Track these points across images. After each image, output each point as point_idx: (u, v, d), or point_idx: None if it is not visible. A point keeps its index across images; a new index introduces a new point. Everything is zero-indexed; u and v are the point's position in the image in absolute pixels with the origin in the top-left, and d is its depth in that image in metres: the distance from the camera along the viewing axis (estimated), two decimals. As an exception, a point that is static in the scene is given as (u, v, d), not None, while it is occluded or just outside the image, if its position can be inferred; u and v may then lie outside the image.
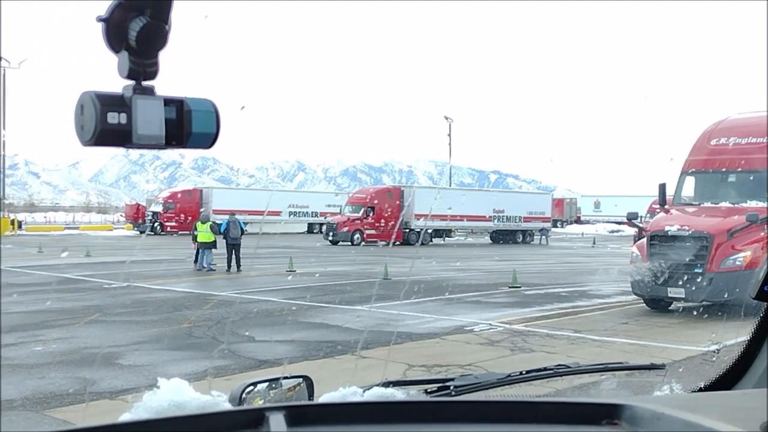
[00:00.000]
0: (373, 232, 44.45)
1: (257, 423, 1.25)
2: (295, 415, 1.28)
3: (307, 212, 62.00)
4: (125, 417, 1.40)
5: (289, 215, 60.66)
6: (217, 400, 1.55)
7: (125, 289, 19.00)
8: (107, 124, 1.03)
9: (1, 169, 61.13)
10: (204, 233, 24.91)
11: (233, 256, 24.87)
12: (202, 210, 29.87)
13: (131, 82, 1.06)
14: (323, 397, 1.64)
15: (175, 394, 1.51)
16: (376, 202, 45.41)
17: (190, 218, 50.04)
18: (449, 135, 76.88)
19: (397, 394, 1.66)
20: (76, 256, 30.40)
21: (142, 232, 56.70)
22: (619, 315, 15.41)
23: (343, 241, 43.23)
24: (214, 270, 24.53)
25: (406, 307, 15.68)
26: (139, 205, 64.51)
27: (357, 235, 43.82)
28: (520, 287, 19.80)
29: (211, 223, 25.78)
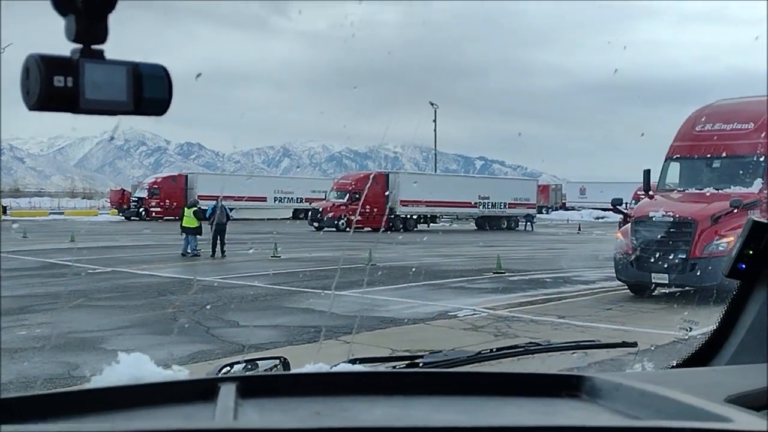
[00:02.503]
0: (358, 218, 44.44)
1: (210, 394, 1.24)
2: (248, 386, 1.27)
3: (292, 198, 61.92)
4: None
5: (275, 201, 60.57)
6: (178, 375, 1.54)
7: (109, 274, 18.93)
8: (53, 88, 1.00)
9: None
10: (188, 218, 24.85)
11: (218, 242, 24.82)
12: (190, 198, 29.69)
13: (79, 46, 1.03)
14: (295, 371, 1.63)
15: (136, 369, 1.50)
16: (361, 187, 45.40)
17: (175, 204, 49.92)
18: (434, 121, 76.82)
19: (364, 370, 1.65)
20: (60, 242, 30.25)
21: (127, 218, 56.51)
22: (602, 301, 15.50)
23: (328, 227, 43.20)
24: (199, 255, 24.48)
25: (391, 292, 15.70)
26: (124, 190, 64.30)
27: (342, 221, 43.80)
28: (504, 273, 19.87)
29: (195, 208, 25.71)
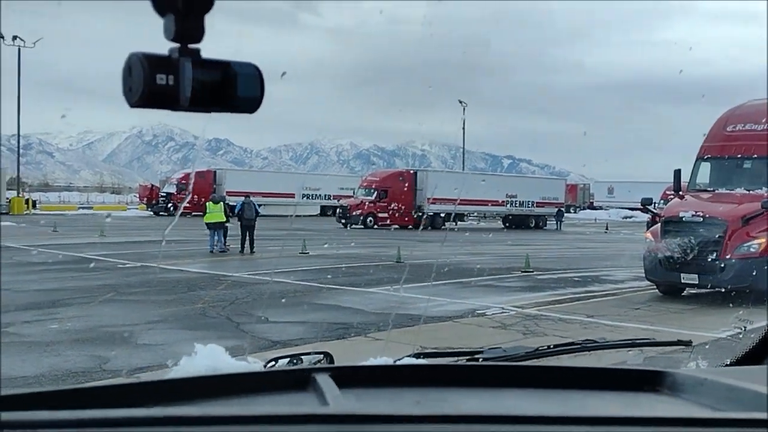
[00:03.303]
0: (385, 215, 44.46)
1: (304, 384, 1.26)
2: (342, 376, 1.29)
3: (320, 195, 62.05)
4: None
5: (303, 197, 60.74)
6: (253, 366, 1.56)
7: (139, 269, 19.10)
8: (155, 86, 1.03)
9: (17, 149, 61.43)
10: (215, 213, 24.92)
11: (247, 238, 24.93)
12: (218, 194, 29.91)
13: (177, 45, 1.06)
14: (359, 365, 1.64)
15: (212, 360, 1.52)
16: (389, 185, 45.41)
17: (203, 199, 50.14)
18: (463, 119, 76.70)
19: (445, 363, 1.66)
20: (90, 236, 30.57)
21: (155, 213, 56.91)
22: (631, 301, 15.39)
23: (355, 224, 43.24)
24: (227, 251, 24.61)
25: (419, 290, 15.70)
26: (153, 185, 64.81)
27: (370, 218, 43.83)
28: (532, 272, 19.80)
29: (222, 203, 25.82)
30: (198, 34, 1.06)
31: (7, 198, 54.32)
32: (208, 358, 1.54)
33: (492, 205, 49.65)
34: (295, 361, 1.89)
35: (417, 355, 1.79)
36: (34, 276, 17.62)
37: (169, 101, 1.05)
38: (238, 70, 1.09)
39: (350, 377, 1.31)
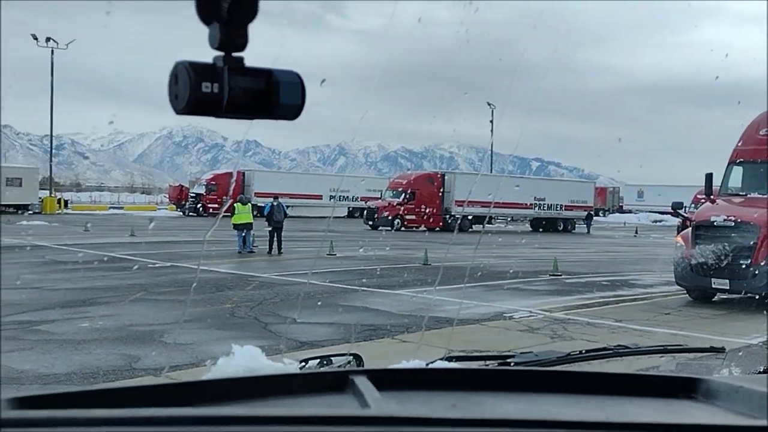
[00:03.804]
0: (413, 217, 44.45)
1: (342, 386, 1.28)
2: (378, 378, 1.30)
3: (347, 196, 62.16)
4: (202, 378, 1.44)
5: (330, 199, 60.89)
6: (289, 367, 1.58)
7: (168, 268, 19.26)
8: (201, 93, 1.06)
9: (49, 149, 62.21)
10: (243, 214, 25.06)
11: (275, 239, 25.04)
12: (241, 195, 30.08)
13: (221, 53, 1.08)
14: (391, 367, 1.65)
15: (249, 360, 1.55)
16: (417, 187, 45.39)
17: (232, 201, 50.48)
18: (491, 121, 76.44)
19: (477, 368, 1.67)
20: (120, 236, 30.88)
21: (185, 214, 57.34)
22: (661, 305, 15.26)
23: (383, 225, 43.24)
24: (254, 252, 24.74)
25: (446, 292, 15.69)
26: (182, 186, 65.32)
27: (397, 221, 43.83)
28: (560, 275, 19.70)
29: (250, 204, 25.97)
30: (242, 43, 1.08)
31: (40, 198, 55.05)
32: (245, 358, 1.56)
33: (520, 207, 49.38)
34: (325, 362, 1.90)
35: (449, 359, 1.80)
36: (65, 275, 17.84)
37: (214, 108, 1.08)
38: (280, 78, 1.11)
39: (387, 380, 1.32)
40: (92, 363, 9.21)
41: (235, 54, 1.09)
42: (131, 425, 1.00)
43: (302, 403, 1.25)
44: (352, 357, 1.99)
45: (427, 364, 1.67)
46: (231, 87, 1.07)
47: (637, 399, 1.29)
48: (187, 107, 1.06)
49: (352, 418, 1.04)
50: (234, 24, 1.07)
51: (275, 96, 1.11)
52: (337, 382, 1.31)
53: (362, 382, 1.26)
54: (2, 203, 50.68)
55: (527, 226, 51.68)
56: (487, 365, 1.92)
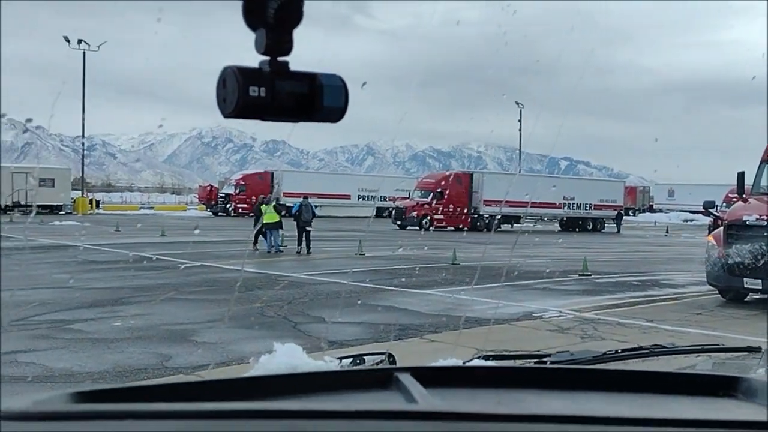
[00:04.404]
0: (441, 217, 44.40)
1: (387, 382, 1.30)
2: (422, 375, 1.32)
3: (375, 196, 62.24)
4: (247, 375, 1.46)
5: (358, 199, 61.03)
6: (330, 365, 1.60)
7: (198, 268, 19.40)
8: (248, 98, 1.08)
9: (81, 150, 62.89)
10: (270, 214, 25.21)
11: (303, 239, 25.15)
12: (262, 195, 30.25)
13: (267, 58, 1.11)
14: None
15: (291, 358, 1.57)
16: (445, 187, 45.32)
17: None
18: (519, 120, 76.17)
19: (518, 366, 1.68)
20: (151, 236, 31.16)
21: (214, 213, 57.72)
22: (692, 305, 15.11)
23: (411, 225, 43.27)
24: (282, 251, 24.85)
25: (475, 292, 15.65)
26: (212, 186, 65.74)
27: (425, 220, 43.82)
28: (590, 275, 19.58)
29: (275, 203, 26.10)
30: (287, 48, 1.11)
31: (72, 198, 55.74)
32: (287, 356, 1.59)
33: (549, 207, 49.16)
34: (359, 361, 1.92)
35: (486, 357, 1.81)
36: (97, 274, 18.04)
37: (261, 112, 1.11)
38: (324, 82, 1.14)
39: (430, 377, 1.34)
40: (124, 361, 9.31)
41: (281, 58, 1.11)
42: (193, 418, 1.02)
43: (349, 399, 1.27)
44: (385, 355, 2.00)
45: (464, 363, 1.68)
46: (277, 91, 1.10)
47: (677, 397, 1.29)
48: (234, 111, 1.09)
49: (402, 413, 1.06)
50: (280, 29, 1.09)
51: (319, 99, 1.13)
52: (381, 379, 1.32)
53: (407, 379, 1.28)
54: (36, 204, 51.38)
55: (556, 226, 51.39)
56: (525, 364, 1.93)
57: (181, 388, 1.29)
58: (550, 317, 13.13)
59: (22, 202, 51.31)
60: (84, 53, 58.33)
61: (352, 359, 1.92)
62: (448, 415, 1.04)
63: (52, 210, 51.46)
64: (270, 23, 1.08)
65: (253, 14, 1.09)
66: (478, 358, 1.79)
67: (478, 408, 1.06)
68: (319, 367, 1.56)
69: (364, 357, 1.97)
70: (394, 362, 2.00)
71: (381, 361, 1.98)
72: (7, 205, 49.54)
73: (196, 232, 30.01)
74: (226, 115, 1.10)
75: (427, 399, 1.18)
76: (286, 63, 1.12)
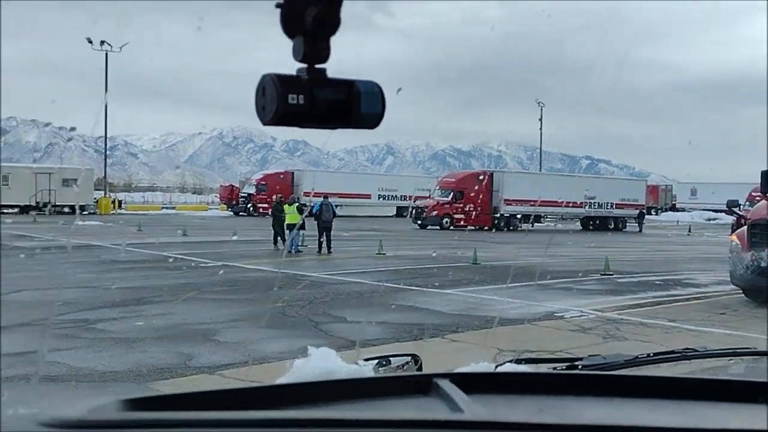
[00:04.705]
0: (462, 216, 44.33)
1: (426, 389, 1.30)
2: (462, 381, 1.32)
3: (396, 196, 62.27)
4: (285, 380, 1.47)
5: (379, 198, 61.06)
6: (364, 369, 1.60)
7: (220, 267, 19.49)
8: (287, 105, 1.09)
9: (104, 150, 63.43)
10: (292, 214, 25.29)
11: (324, 238, 25.19)
12: (279, 195, 30.40)
13: (304, 65, 1.11)
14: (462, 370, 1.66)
15: (325, 362, 1.57)
16: (465, 186, 45.26)
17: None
18: (540, 119, 75.93)
19: (557, 372, 1.68)
20: (173, 235, 31.34)
21: (235, 213, 57.97)
22: (715, 305, 14.99)
23: (431, 225, 43.25)
24: (302, 252, 24.90)
25: (496, 291, 15.62)
26: (233, 186, 66.02)
27: (446, 220, 43.78)
28: (612, 274, 19.47)
29: (297, 204, 26.17)
30: (325, 55, 1.12)
31: (95, 198, 56.17)
32: (321, 359, 1.59)
33: (570, 206, 48.95)
34: (384, 362, 1.92)
35: (518, 361, 1.80)
36: (119, 274, 18.16)
37: (299, 119, 1.11)
38: (361, 89, 1.15)
39: (470, 383, 1.33)
40: (147, 361, 9.37)
41: (318, 66, 1.12)
42: (244, 426, 1.04)
43: (391, 406, 1.27)
44: (410, 357, 2.00)
45: (495, 367, 1.68)
46: (315, 98, 1.11)
47: (716, 404, 1.28)
48: (274, 118, 1.10)
49: (450, 422, 1.06)
50: (318, 37, 1.10)
51: (357, 106, 1.14)
52: (420, 386, 1.32)
53: (447, 386, 1.28)
54: (58, 203, 51.89)
55: (577, 225, 51.16)
56: (556, 369, 1.92)
57: (226, 395, 1.30)
58: (571, 317, 13.07)
59: (45, 202, 51.81)
60: (106, 54, 58.83)
61: (377, 361, 1.91)
62: (496, 424, 1.04)
63: (75, 210, 51.86)
64: (308, 31, 1.09)
65: (290, 22, 1.10)
66: (511, 361, 1.78)
67: (522, 417, 1.06)
68: (354, 372, 1.57)
69: (390, 358, 1.96)
70: (419, 364, 2.00)
71: (407, 363, 1.98)
72: (29, 205, 50.05)
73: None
74: (265, 123, 1.11)
75: (471, 407, 1.17)
76: (323, 70, 1.12)
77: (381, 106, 1.16)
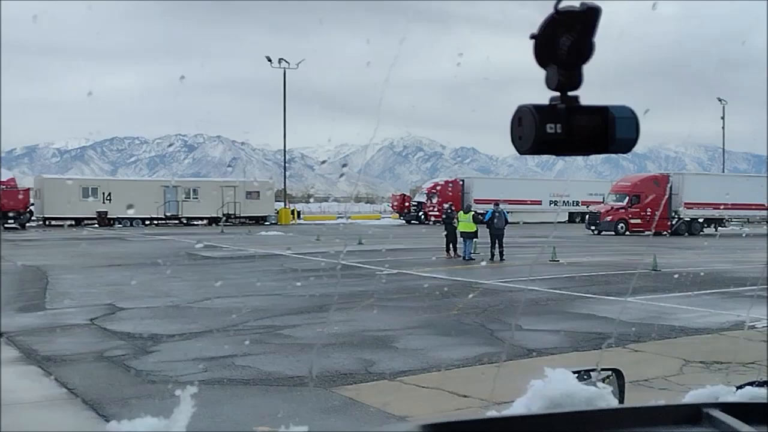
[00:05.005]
0: (638, 221, 42.86)
1: (696, 419, 1.27)
2: (733, 411, 1.26)
3: (567, 201, 61.08)
4: (516, 408, 1.51)
5: (550, 204, 60.10)
6: (602, 392, 1.60)
7: (395, 275, 19.86)
8: (545, 135, 1.12)
9: (283, 163, 66.16)
10: (466, 223, 25.39)
11: (497, 246, 25.11)
12: (448, 203, 30.54)
13: (558, 93, 1.15)
14: (728, 397, 1.57)
15: (564, 384, 1.58)
16: (641, 190, 43.74)
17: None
18: (722, 118, 72.14)
19: None
20: (349, 244, 32.20)
21: (407, 221, 58.78)
22: None
23: (606, 230, 42.10)
24: (474, 259, 24.91)
25: (679, 299, 15.03)
26: (404, 195, 66.96)
27: (621, 225, 42.48)
28: (808, 282, 18.21)
29: (473, 212, 26.22)
30: (577, 83, 1.14)
31: (276, 209, 58.71)
32: (560, 382, 1.60)
33: (756, 208, 46.18)
34: (584, 376, 1.89)
35: (760, 384, 1.69)
36: (301, 282, 18.89)
37: (557, 148, 1.15)
38: (615, 114, 1.16)
39: (742, 413, 1.28)
40: (331, 366, 9.72)
41: (571, 93, 1.14)
42: None
43: None
44: (611, 372, 1.96)
45: (736, 389, 1.61)
46: (572, 126, 1.13)
47: None
48: (531, 148, 1.13)
49: None
50: (571, 66, 1.12)
51: (612, 132, 1.15)
52: (690, 416, 1.28)
53: (720, 416, 1.24)
54: (243, 215, 54.79)
55: (766, 229, 48.16)
56: None
57: (518, 421, 1.33)
58: (764, 327, 12.36)
59: (231, 213, 54.76)
60: (284, 71, 61.44)
61: (577, 374, 1.90)
62: None
63: (258, 221, 54.50)
64: (561, 60, 1.12)
65: (544, 52, 1.12)
66: (751, 384, 1.68)
67: None
68: (595, 395, 1.53)
69: (590, 372, 1.94)
70: (621, 379, 1.96)
71: (608, 376, 1.94)
72: (217, 217, 53.01)
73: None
74: (522, 152, 1.15)
75: None
76: (576, 98, 1.15)
77: (635, 132, 1.17)
